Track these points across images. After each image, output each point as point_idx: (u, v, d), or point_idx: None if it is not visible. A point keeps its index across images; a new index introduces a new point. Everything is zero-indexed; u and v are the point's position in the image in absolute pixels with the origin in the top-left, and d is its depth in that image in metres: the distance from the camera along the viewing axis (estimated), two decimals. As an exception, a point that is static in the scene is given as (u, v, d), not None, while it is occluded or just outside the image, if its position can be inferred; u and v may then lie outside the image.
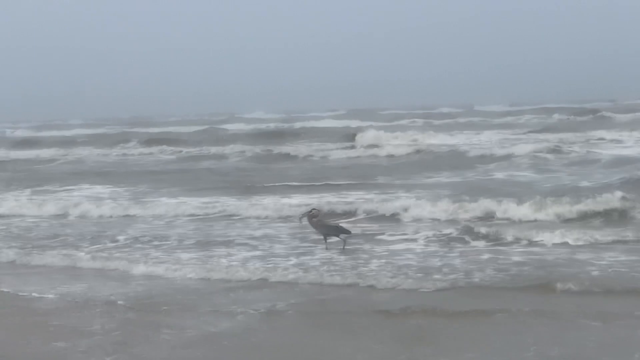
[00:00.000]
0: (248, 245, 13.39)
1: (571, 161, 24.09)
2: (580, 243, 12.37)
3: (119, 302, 9.90)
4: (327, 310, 9.07)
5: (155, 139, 43.10)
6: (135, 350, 7.93)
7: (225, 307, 9.38)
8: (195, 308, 9.42)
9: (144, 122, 72.05)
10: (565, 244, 12.39)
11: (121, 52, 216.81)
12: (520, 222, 14.46)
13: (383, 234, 13.93)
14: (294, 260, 12.02)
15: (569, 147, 28.33)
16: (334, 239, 13.11)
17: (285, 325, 8.67)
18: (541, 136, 34.36)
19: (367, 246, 13.05)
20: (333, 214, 15.79)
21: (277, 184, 21.28)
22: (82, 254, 13.15)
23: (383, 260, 11.79)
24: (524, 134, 36.79)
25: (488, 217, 14.87)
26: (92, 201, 19.47)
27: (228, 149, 34.85)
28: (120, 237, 14.52)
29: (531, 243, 12.52)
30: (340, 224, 13.88)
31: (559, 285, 9.67)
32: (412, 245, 12.91)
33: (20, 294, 10.51)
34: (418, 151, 29.45)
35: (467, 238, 12.97)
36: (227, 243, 13.64)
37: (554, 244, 12.38)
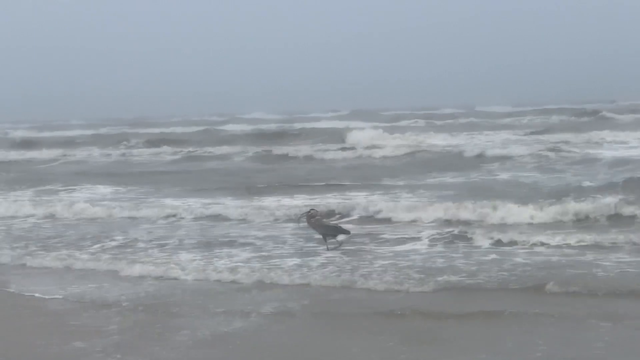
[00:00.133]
0: (254, 246, 13.37)
1: (574, 162, 24.08)
2: (584, 244, 12.34)
3: (130, 302, 9.92)
4: (336, 311, 9.06)
5: (157, 139, 43.11)
6: (150, 351, 7.98)
7: (235, 308, 9.40)
8: (205, 309, 9.43)
9: (144, 123, 71.96)
10: (568, 245, 12.38)
11: (121, 52, 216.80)
12: (523, 223, 14.40)
13: (384, 234, 13.91)
14: (299, 261, 12.01)
15: (572, 147, 28.35)
16: (340, 237, 13.11)
17: (295, 326, 8.68)
18: (544, 137, 34.34)
19: (368, 247, 13.04)
20: (333, 214, 15.73)
21: (280, 185, 21.26)
22: (87, 255, 13.13)
23: (386, 262, 11.78)
24: (527, 134, 36.76)
25: (490, 218, 14.80)
26: (95, 202, 19.48)
27: (230, 150, 34.85)
28: (126, 238, 14.50)
29: (535, 244, 12.49)
30: (339, 224, 13.86)
31: (565, 287, 9.67)
32: (414, 247, 12.89)
33: (32, 295, 10.53)
34: (421, 152, 29.42)
35: (470, 239, 12.94)
36: (233, 244, 13.61)
37: (557, 245, 12.35)
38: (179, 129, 56.32)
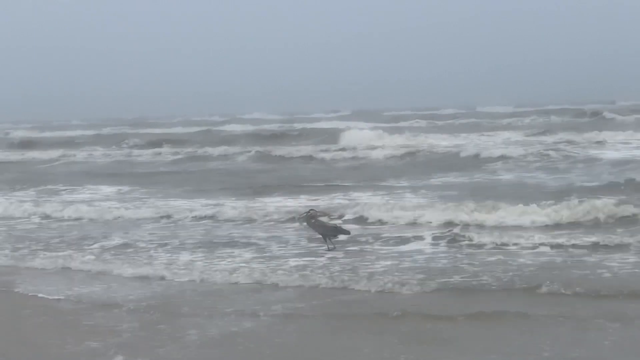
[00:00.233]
0: (258, 247, 13.35)
1: (577, 162, 24.09)
2: (588, 245, 12.32)
3: (139, 303, 9.93)
4: (343, 312, 9.06)
5: (158, 139, 43.12)
6: (163, 350, 8.02)
7: (246, 308, 9.41)
8: (216, 309, 9.44)
9: (145, 123, 71.95)
10: (573, 245, 12.35)
11: (121, 52, 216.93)
12: (527, 223, 14.37)
13: (386, 235, 13.86)
14: (303, 262, 12.00)
15: (575, 148, 28.37)
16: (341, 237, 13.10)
17: (303, 326, 8.68)
18: (546, 138, 34.34)
19: (371, 247, 13.01)
20: (331, 213, 15.70)
21: (283, 185, 21.25)
22: (91, 256, 13.12)
23: (389, 262, 11.78)
24: (529, 135, 36.73)
25: (493, 219, 14.77)
26: (98, 202, 19.49)
27: (232, 150, 34.83)
28: (130, 239, 14.45)
29: (539, 245, 12.46)
30: (339, 225, 13.84)
31: (571, 288, 9.66)
32: (417, 247, 12.85)
33: (43, 296, 10.53)
34: (423, 152, 29.39)
35: (473, 240, 12.89)
36: (237, 245, 13.58)
37: (562, 246, 12.33)
38: (180, 130, 56.35)
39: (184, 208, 17.68)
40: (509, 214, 14.82)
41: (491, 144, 33.04)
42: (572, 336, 8.02)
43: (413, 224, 15.01)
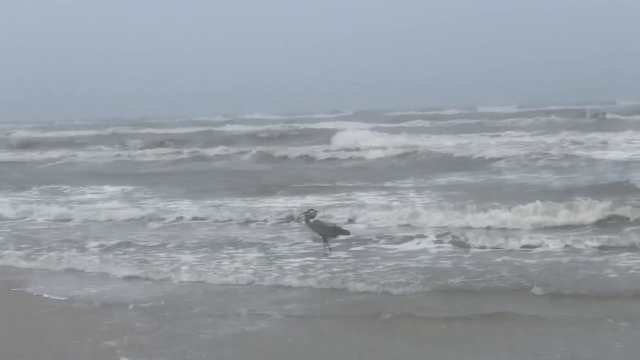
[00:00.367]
0: (267, 247, 13.33)
1: (581, 163, 24.05)
2: (594, 245, 12.32)
3: (151, 302, 9.95)
4: (358, 312, 9.05)
5: (161, 140, 43.12)
6: (179, 349, 8.05)
7: (257, 309, 9.43)
8: (227, 309, 9.46)
9: (146, 123, 71.92)
10: (578, 246, 12.33)
11: (121, 52, 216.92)
12: (531, 224, 14.35)
13: (388, 235, 13.82)
14: (309, 263, 12.00)
15: (578, 148, 28.39)
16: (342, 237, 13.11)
17: (319, 326, 8.69)
18: (550, 138, 34.38)
19: (374, 248, 13.01)
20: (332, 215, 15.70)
21: (287, 185, 21.25)
22: (98, 256, 13.10)
23: (393, 262, 11.78)
24: (532, 136, 36.74)
25: (497, 220, 14.75)
26: (103, 202, 19.51)
27: (234, 151, 34.82)
28: (138, 240, 14.39)
29: (543, 247, 12.44)
30: (338, 225, 13.83)
31: (579, 289, 9.69)
32: (421, 248, 12.83)
33: (54, 296, 10.54)
34: (426, 153, 29.36)
35: (476, 242, 12.85)
36: (246, 245, 13.55)
37: (566, 248, 12.31)
38: (182, 130, 56.34)
39: (188, 208, 17.69)
40: (513, 214, 14.78)
41: (495, 144, 33.12)
42: (582, 337, 8.04)
43: (417, 224, 14.96)
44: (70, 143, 46.58)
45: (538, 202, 14.94)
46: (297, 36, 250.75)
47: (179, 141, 42.70)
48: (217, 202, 18.74)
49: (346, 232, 13.32)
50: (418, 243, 13.19)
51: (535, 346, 7.77)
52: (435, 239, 13.22)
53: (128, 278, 11.56)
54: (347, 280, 10.64)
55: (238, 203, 18.44)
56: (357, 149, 32.49)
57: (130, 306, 9.81)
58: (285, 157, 31.39)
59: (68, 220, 17.38)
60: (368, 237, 13.69)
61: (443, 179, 21.74)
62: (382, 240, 13.40)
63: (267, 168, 28.74)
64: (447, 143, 34.35)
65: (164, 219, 16.78)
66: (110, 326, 8.99)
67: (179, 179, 25.13)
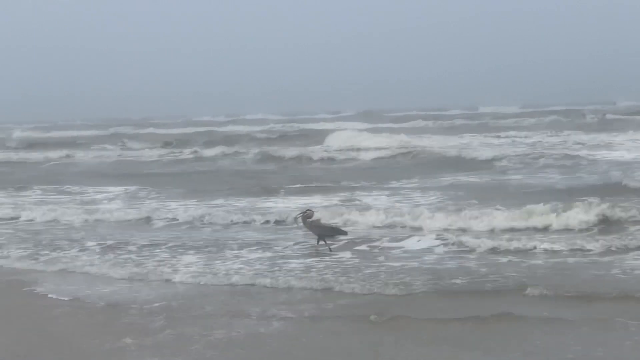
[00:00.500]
0: (273, 248, 13.32)
1: (584, 163, 24.07)
2: (599, 246, 12.30)
3: (162, 302, 9.98)
4: (368, 313, 9.03)
5: (164, 140, 43.16)
6: (193, 349, 8.09)
7: (269, 309, 9.43)
8: (239, 310, 9.47)
9: (147, 124, 72.00)
10: (581, 248, 12.31)
11: (121, 52, 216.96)
12: (535, 225, 14.33)
13: (390, 236, 13.81)
14: (313, 264, 11.99)
15: (582, 149, 28.43)
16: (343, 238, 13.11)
17: (333, 327, 8.70)
18: (552, 139, 34.43)
19: (377, 249, 13.00)
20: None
21: (293, 186, 21.25)
22: (106, 257, 13.10)
23: (398, 263, 11.79)
24: (536, 136, 36.76)
25: (501, 221, 14.72)
26: (107, 202, 19.52)
27: (238, 151, 34.83)
28: (146, 240, 14.35)
29: (547, 248, 12.41)
30: (336, 225, 13.82)
31: (583, 289, 9.70)
32: (424, 249, 12.79)
33: (64, 297, 10.56)
34: (428, 153, 29.37)
35: (480, 243, 12.77)
36: (252, 246, 13.53)
37: (571, 249, 12.30)
38: (182, 130, 56.40)
39: (191, 208, 17.69)
40: (516, 215, 14.75)
41: (498, 144, 33.15)
42: (594, 336, 8.06)
43: (419, 225, 14.91)
44: (72, 143, 46.64)
45: (542, 204, 14.89)
46: (297, 36, 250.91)
47: (180, 141, 42.75)
48: (220, 201, 18.77)
49: (344, 232, 13.33)
50: (420, 241, 13.19)
51: (547, 346, 7.79)
52: (439, 239, 13.17)
53: (135, 279, 11.55)
54: (355, 281, 10.64)
55: (241, 203, 18.46)
56: (358, 149, 32.50)
57: (142, 306, 9.84)
58: (287, 158, 31.39)
59: (70, 221, 17.33)
60: (371, 238, 13.68)
61: (445, 179, 21.75)
62: (386, 241, 13.37)
63: (269, 168, 28.78)
64: (449, 143, 34.40)
65: (168, 219, 16.76)
66: (124, 326, 9.01)
67: (182, 179, 25.18)
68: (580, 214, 14.38)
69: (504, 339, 8.03)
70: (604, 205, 14.59)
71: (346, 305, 9.55)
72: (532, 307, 9.09)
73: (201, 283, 11.11)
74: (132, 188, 22.32)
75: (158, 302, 10.04)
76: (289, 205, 17.66)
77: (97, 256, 13.16)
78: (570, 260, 11.67)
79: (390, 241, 13.37)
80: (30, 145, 47.25)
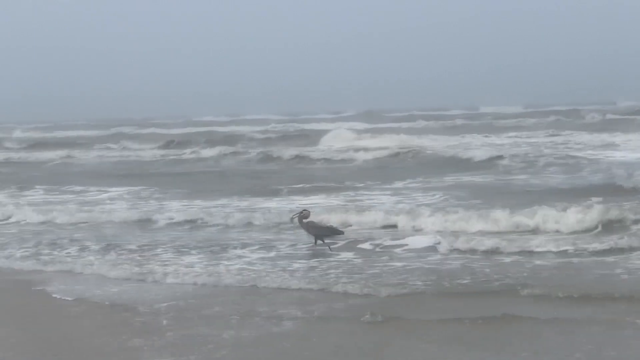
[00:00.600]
0: (277, 249, 13.32)
1: (585, 164, 24.04)
2: (601, 247, 12.29)
3: (172, 302, 10.00)
4: (383, 315, 9.02)
5: (165, 140, 43.16)
6: (205, 348, 8.11)
7: (279, 309, 9.44)
8: (250, 310, 9.48)
9: (147, 124, 71.89)
10: (585, 249, 12.30)
11: (121, 52, 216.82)
12: (540, 226, 14.31)
13: (390, 237, 13.81)
14: (316, 265, 11.99)
15: (584, 149, 28.43)
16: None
17: (345, 327, 8.71)
18: (553, 139, 34.44)
19: (379, 249, 13.02)
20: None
21: (295, 186, 21.26)
22: (115, 257, 13.14)
23: (401, 264, 11.80)
24: (538, 136, 36.77)
25: (506, 222, 14.70)
26: (112, 203, 19.51)
27: (240, 151, 34.80)
28: (153, 242, 14.34)
29: (551, 249, 12.38)
30: (332, 225, 13.82)
31: (590, 290, 9.70)
32: (428, 250, 12.78)
33: (74, 297, 10.58)
34: (431, 154, 29.32)
35: (484, 244, 12.74)
36: (257, 246, 13.52)
37: (575, 250, 12.28)
38: (183, 130, 56.38)
39: (195, 209, 17.68)
40: (518, 216, 14.69)
41: (501, 145, 33.14)
42: (604, 336, 8.08)
43: (422, 225, 14.90)
44: (73, 143, 46.63)
45: (544, 205, 14.88)
46: (297, 36, 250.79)
47: (181, 142, 42.74)
48: (222, 202, 18.77)
49: (340, 232, 13.35)
50: (422, 242, 13.20)
51: (557, 346, 7.82)
52: (442, 240, 13.12)
53: (140, 279, 11.55)
54: (357, 281, 10.66)
55: (244, 203, 18.46)
56: (358, 149, 32.49)
57: (151, 306, 9.86)
58: (287, 158, 31.36)
59: (77, 221, 17.31)
60: (372, 238, 13.69)
61: (447, 179, 21.75)
62: (388, 241, 13.38)
63: (270, 168, 28.80)
64: (450, 143, 34.43)
65: (170, 219, 16.74)
66: (135, 325, 9.04)
67: (183, 179, 25.21)
68: (582, 214, 14.34)
69: (514, 339, 8.05)
70: (607, 205, 14.58)
71: (355, 305, 9.56)
72: (539, 307, 9.11)
73: (207, 283, 11.11)
74: (134, 188, 22.34)
75: (166, 302, 10.06)
76: (291, 205, 17.65)
77: (102, 257, 13.18)
78: (575, 260, 11.72)
79: (392, 241, 13.38)
80: (32, 145, 47.23)
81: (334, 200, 18.56)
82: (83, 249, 13.94)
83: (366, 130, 44.46)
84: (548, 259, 11.86)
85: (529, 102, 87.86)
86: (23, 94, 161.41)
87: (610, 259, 11.63)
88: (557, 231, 13.91)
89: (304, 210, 13.53)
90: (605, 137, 33.25)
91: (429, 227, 14.56)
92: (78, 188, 22.97)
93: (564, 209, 14.53)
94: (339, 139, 36.54)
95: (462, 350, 7.80)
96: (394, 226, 14.98)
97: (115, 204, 19.45)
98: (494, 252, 12.41)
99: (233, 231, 15.45)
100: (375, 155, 29.60)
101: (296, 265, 11.94)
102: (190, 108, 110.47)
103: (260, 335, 8.49)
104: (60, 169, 32.70)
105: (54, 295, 10.72)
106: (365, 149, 31.59)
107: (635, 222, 14.07)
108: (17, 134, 60.45)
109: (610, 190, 17.63)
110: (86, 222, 17.08)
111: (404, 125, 55.07)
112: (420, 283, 10.48)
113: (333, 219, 15.03)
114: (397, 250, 12.89)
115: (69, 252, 13.69)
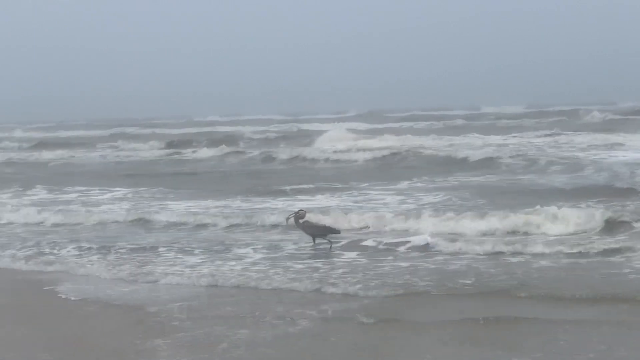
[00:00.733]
0: (288, 250, 13.30)
1: (588, 164, 23.99)
2: (606, 248, 12.28)
3: (184, 303, 10.00)
4: (395, 317, 9.05)
5: (167, 140, 43.14)
6: (220, 348, 8.15)
7: (291, 309, 9.45)
8: (265, 310, 9.48)
9: (148, 124, 71.87)
10: (590, 249, 12.28)
11: (121, 52, 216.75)
12: (539, 229, 14.25)
13: (398, 237, 13.81)
14: (320, 266, 11.98)
15: (586, 149, 28.42)
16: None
17: (360, 328, 8.71)
18: (554, 139, 34.43)
19: (382, 249, 13.01)
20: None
21: (297, 186, 21.27)
22: (124, 258, 13.14)
23: (406, 263, 11.78)
24: (541, 136, 36.73)
25: (506, 223, 14.66)
26: (109, 203, 19.50)
27: (241, 152, 34.80)
28: (162, 243, 14.29)
29: (555, 250, 12.36)
30: (329, 224, 13.81)
31: (603, 291, 9.71)
32: (430, 249, 12.80)
33: (85, 298, 10.59)
34: (434, 154, 29.24)
35: (488, 245, 12.75)
36: (262, 247, 13.51)
37: (580, 251, 12.26)
38: (185, 130, 56.37)
39: (202, 209, 17.68)
40: (520, 217, 14.63)
41: (498, 144, 33.14)
42: (616, 336, 8.10)
43: (423, 226, 14.83)
44: (75, 143, 46.60)
45: (546, 205, 14.85)
46: (297, 36, 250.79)
47: (182, 142, 42.74)
48: (225, 202, 18.75)
49: (337, 231, 13.36)
50: (424, 242, 13.16)
51: (570, 346, 7.83)
52: (444, 240, 13.13)
53: (150, 280, 11.54)
54: (364, 281, 10.67)
55: (247, 203, 18.45)
56: (362, 150, 32.49)
57: (164, 306, 9.87)
58: (288, 158, 31.34)
59: (80, 222, 17.28)
60: (375, 238, 13.68)
61: (449, 179, 21.75)
62: (390, 242, 13.37)
63: (271, 168, 28.82)
64: (452, 143, 34.42)
65: (172, 220, 16.71)
66: (149, 325, 9.06)
67: (186, 180, 25.28)
68: (586, 214, 14.33)
69: (525, 339, 8.07)
70: (610, 205, 14.59)
71: (367, 305, 9.57)
72: (549, 308, 9.14)
73: (213, 284, 11.12)
74: (138, 189, 22.29)
75: (177, 302, 10.07)
76: (293, 204, 17.64)
77: (107, 257, 13.19)
78: (581, 260, 11.71)
79: (395, 241, 13.37)
80: (33, 145, 47.21)
81: (337, 200, 18.53)
82: (89, 250, 13.93)
83: (367, 131, 44.48)
84: (554, 259, 11.86)
85: (529, 102, 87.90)
86: (23, 94, 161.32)
87: (616, 259, 11.62)
88: (562, 231, 13.87)
89: (300, 210, 13.57)
90: (609, 137, 33.21)
91: (431, 228, 14.50)
92: (81, 188, 22.92)
93: (569, 209, 14.52)
94: (336, 140, 36.51)
95: (476, 351, 7.83)
96: (398, 226, 14.95)
97: (119, 204, 19.43)
98: (498, 253, 12.38)
99: (238, 231, 15.43)
100: (377, 155, 29.57)
101: (299, 266, 11.94)
102: (190, 108, 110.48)
103: (276, 334, 8.52)
104: (62, 169, 32.66)
105: (63, 296, 10.74)
106: (365, 149, 31.59)
107: (638, 221, 14.04)
108: (19, 133, 60.41)
109: (614, 190, 17.63)
110: (89, 223, 17.04)
111: (405, 125, 55.10)
112: (427, 283, 10.51)
113: (341, 219, 15.03)
114: (401, 250, 12.88)
115: (74, 253, 13.70)
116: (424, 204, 17.26)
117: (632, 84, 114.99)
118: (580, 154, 26.89)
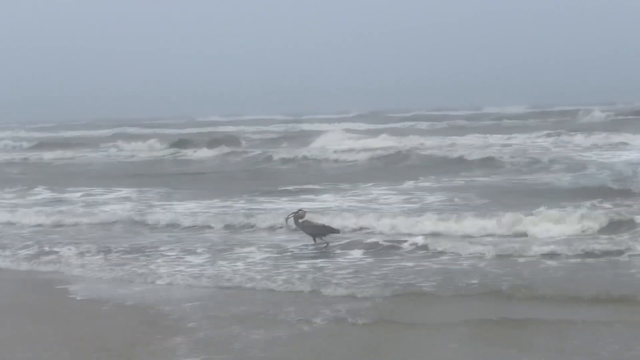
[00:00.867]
0: (293, 250, 13.29)
1: (590, 164, 24.01)
2: (610, 248, 12.24)
3: (196, 303, 10.03)
4: (405, 317, 9.07)
5: (167, 141, 43.13)
6: (236, 347, 8.18)
7: (306, 310, 9.46)
8: (278, 310, 9.49)
9: (149, 124, 71.84)
10: (593, 250, 12.22)
11: (121, 52, 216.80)
12: (541, 230, 14.19)
13: (400, 237, 13.80)
14: (322, 267, 11.97)
15: (587, 149, 28.42)
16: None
17: (375, 329, 8.72)
18: (555, 139, 34.41)
19: (387, 250, 12.97)
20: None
21: (299, 187, 21.26)
22: (120, 259, 13.14)
23: (410, 263, 11.75)
24: (542, 136, 36.70)
25: (508, 223, 14.61)
26: (114, 204, 19.50)
27: (241, 152, 34.80)
28: (157, 241, 14.34)
29: (559, 252, 12.30)
30: (328, 224, 13.79)
31: (611, 291, 9.70)
32: (432, 250, 12.75)
33: (96, 298, 10.61)
34: (437, 154, 29.21)
35: (491, 245, 12.69)
36: (265, 247, 13.50)
37: (584, 252, 12.21)
38: (186, 130, 56.37)
39: (205, 210, 17.67)
40: (521, 217, 14.59)
41: (499, 144, 33.11)
42: (629, 336, 8.11)
43: (425, 226, 14.81)
44: (75, 143, 46.61)
45: (550, 206, 14.83)
46: (297, 36, 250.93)
47: (183, 142, 42.72)
48: (228, 202, 18.74)
49: (336, 231, 13.37)
50: (426, 241, 13.14)
51: (583, 345, 7.86)
52: (446, 241, 13.10)
53: (160, 281, 11.54)
54: (370, 281, 10.67)
55: (250, 204, 18.44)
56: (365, 150, 32.47)
57: (178, 306, 9.89)
58: (288, 158, 31.31)
59: (83, 222, 17.26)
60: (374, 238, 13.69)
61: (454, 179, 21.75)
62: (392, 242, 13.37)
63: (272, 168, 28.84)
64: (453, 143, 34.41)
65: (179, 220, 16.68)
66: (165, 325, 9.09)
67: (189, 180, 25.31)
68: (590, 215, 14.31)
69: (538, 339, 8.08)
70: (615, 204, 14.57)
71: (374, 306, 9.58)
72: (559, 308, 9.16)
73: (225, 285, 11.11)
74: (141, 189, 22.27)
75: (191, 302, 10.09)
76: (293, 205, 17.62)
77: (111, 257, 13.19)
78: (588, 261, 11.69)
79: (397, 241, 13.35)
80: (34, 145, 47.23)
81: (339, 200, 18.52)
82: (97, 250, 13.90)
83: (369, 131, 44.45)
84: (561, 259, 11.83)
85: (530, 102, 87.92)
86: (23, 94, 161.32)
87: (622, 258, 11.61)
88: (566, 231, 13.83)
89: (299, 210, 13.60)
90: (612, 136, 33.19)
91: (434, 228, 14.47)
92: (84, 188, 22.91)
93: (573, 209, 14.50)
94: (337, 140, 36.50)
95: (490, 351, 7.85)
96: (402, 226, 14.92)
97: (122, 204, 19.40)
98: (502, 254, 12.31)
99: (243, 231, 15.41)
100: (380, 155, 29.56)
101: (304, 266, 11.94)
102: (191, 108, 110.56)
103: (291, 333, 8.54)
104: (64, 169, 32.68)
105: (75, 297, 10.75)
106: (367, 149, 31.57)
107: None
108: (20, 133, 60.43)
109: (618, 190, 17.60)
110: (93, 223, 17.03)
111: (407, 125, 55.09)
112: (433, 283, 10.52)
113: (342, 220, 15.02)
114: (404, 251, 12.85)
115: (80, 253, 13.68)
116: (428, 204, 17.24)
117: (633, 84, 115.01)
118: (585, 154, 26.87)
